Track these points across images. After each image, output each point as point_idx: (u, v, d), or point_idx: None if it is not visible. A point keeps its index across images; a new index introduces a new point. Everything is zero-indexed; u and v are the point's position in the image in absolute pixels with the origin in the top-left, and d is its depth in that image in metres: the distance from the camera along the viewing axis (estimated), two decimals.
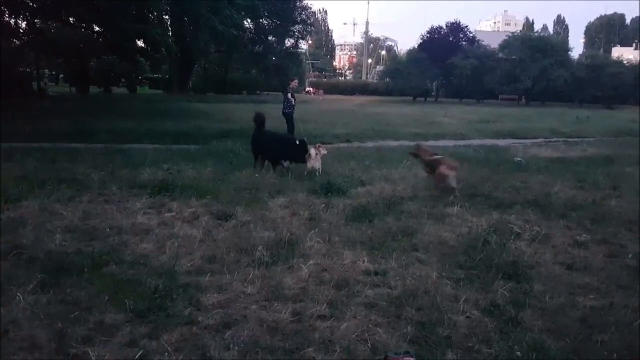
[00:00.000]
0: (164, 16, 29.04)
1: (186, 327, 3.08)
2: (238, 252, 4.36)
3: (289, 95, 13.07)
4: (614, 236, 5.29)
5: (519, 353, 2.91)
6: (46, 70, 43.33)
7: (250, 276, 3.85)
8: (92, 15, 21.61)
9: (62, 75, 45.41)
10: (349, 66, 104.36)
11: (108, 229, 4.88)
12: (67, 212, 5.34)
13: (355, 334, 3.09)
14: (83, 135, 11.88)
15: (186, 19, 29.43)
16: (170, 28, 31.15)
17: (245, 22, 35.48)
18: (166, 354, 2.78)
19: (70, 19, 24.77)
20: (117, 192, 6.35)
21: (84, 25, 25.39)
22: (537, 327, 3.27)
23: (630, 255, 4.70)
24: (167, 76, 41.04)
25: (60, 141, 10.90)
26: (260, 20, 38.66)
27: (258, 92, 47.52)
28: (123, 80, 43.64)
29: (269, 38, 41.61)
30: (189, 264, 4.07)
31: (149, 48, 26.34)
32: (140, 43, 26.34)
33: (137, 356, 2.74)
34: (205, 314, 3.25)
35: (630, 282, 4.08)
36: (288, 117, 12.81)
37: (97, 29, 25.53)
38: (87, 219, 5.20)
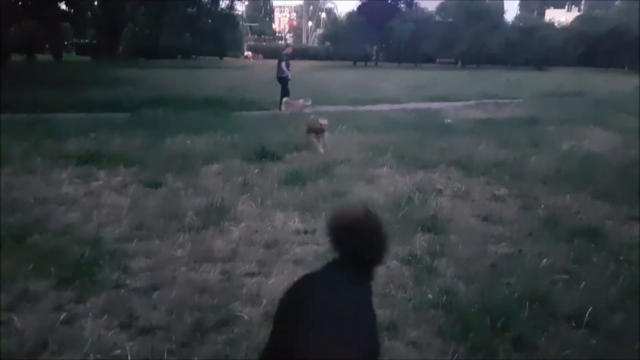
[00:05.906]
0: None
1: (113, 290, 3.11)
2: (167, 218, 4.34)
3: (283, 63, 13.19)
4: (530, 190, 5.68)
5: (430, 295, 3.18)
6: None
7: (180, 240, 3.88)
8: None
9: None
10: (289, 29, 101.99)
11: (32, 200, 4.71)
12: None
13: (282, 287, 3.23)
14: (4, 106, 11.04)
15: None
16: None
17: None
18: (91, 314, 2.81)
19: None
20: (42, 163, 6.08)
21: None
22: (450, 273, 3.54)
23: (542, 206, 5.08)
24: (95, 42, 38.48)
25: None
26: None
27: (193, 57, 45.61)
28: (47, 46, 40.46)
29: None
30: (116, 232, 4.03)
31: (71, 11, 24.58)
32: (62, 6, 24.54)
33: (61, 318, 2.76)
34: (132, 278, 3.28)
35: (540, 231, 4.41)
36: (282, 82, 13.08)
37: None
38: (9, 191, 4.97)
